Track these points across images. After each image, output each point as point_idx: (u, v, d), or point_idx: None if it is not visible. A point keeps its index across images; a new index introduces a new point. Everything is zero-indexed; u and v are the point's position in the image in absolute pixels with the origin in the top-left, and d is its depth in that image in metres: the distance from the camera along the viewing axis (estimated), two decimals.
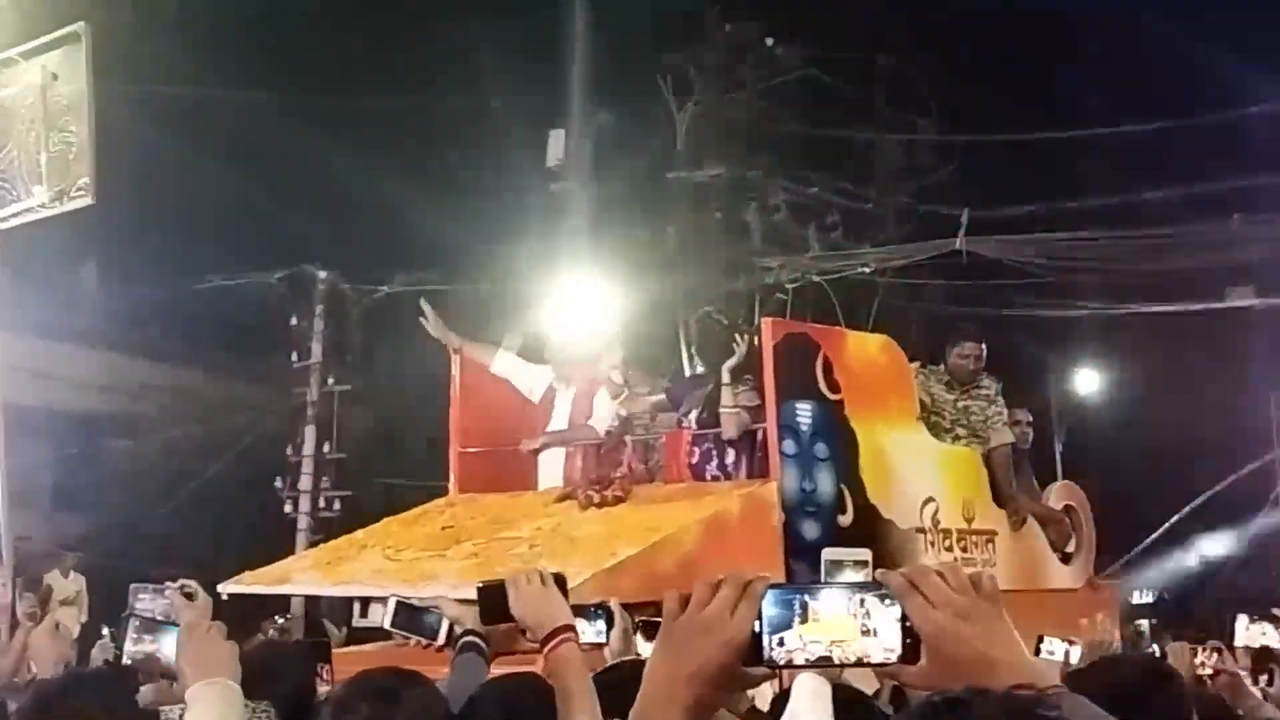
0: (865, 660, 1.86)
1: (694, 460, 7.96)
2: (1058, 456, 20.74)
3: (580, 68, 17.20)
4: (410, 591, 6.79)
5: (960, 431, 8.98)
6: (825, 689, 3.44)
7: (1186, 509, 19.43)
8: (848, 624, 1.85)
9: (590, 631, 4.36)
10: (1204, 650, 5.09)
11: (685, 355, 13.88)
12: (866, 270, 17.17)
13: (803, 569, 7.22)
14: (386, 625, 4.40)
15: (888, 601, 1.85)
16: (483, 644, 4.04)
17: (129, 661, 3.65)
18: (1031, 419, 9.95)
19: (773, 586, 1.85)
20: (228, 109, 18.44)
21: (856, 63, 19.25)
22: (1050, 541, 9.41)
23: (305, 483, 19.21)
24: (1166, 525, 19.54)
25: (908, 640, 1.84)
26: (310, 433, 19.36)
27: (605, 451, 8.22)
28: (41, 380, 17.82)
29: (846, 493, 7.70)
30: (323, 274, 19.12)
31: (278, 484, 19.32)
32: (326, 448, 19.24)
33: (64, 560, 16.36)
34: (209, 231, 20.01)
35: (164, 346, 21.12)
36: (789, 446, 7.51)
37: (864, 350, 8.37)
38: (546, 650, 3.35)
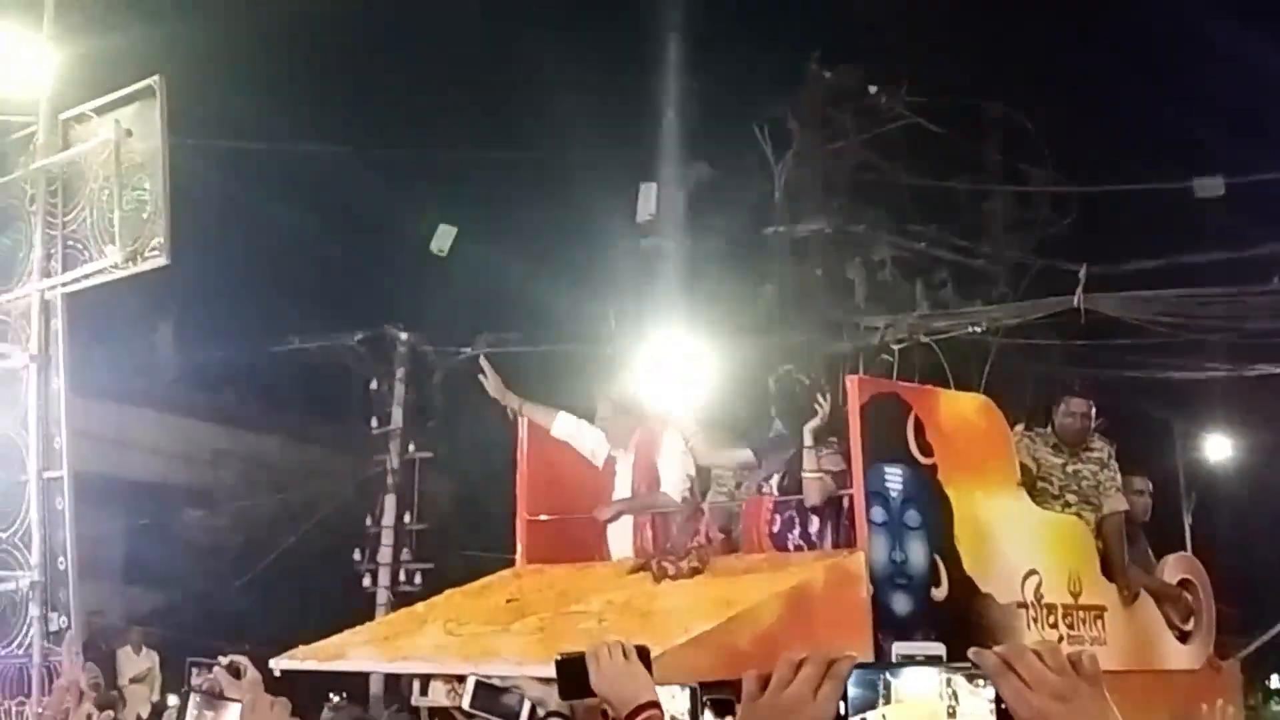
0: None
1: (775, 529, 7.63)
2: (1187, 529, 20.14)
3: (673, 118, 17.05)
4: (470, 668, 6.61)
5: (1070, 498, 8.65)
6: None
7: None
8: (933, 706, 1.83)
9: None
10: None
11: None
12: (978, 330, 16.75)
13: (893, 647, 6.98)
14: (465, 706, 4.25)
15: (978, 682, 1.82)
16: None
17: None
18: (1151, 488, 9.60)
19: (857, 666, 1.84)
20: (306, 164, 18.47)
21: (965, 110, 18.84)
22: (1166, 618, 9.05)
23: (385, 555, 19.07)
24: None
25: None
26: (390, 502, 19.23)
27: (682, 520, 8.03)
28: (113, 447, 17.81)
29: (941, 564, 7.34)
30: (404, 335, 19.04)
31: (356, 556, 19.19)
32: (407, 518, 19.09)
33: (135, 635, 16.32)
34: (287, 292, 20.05)
35: (240, 412, 21.15)
36: (877, 514, 7.17)
37: (959, 411, 7.98)
38: None
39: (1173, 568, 9.33)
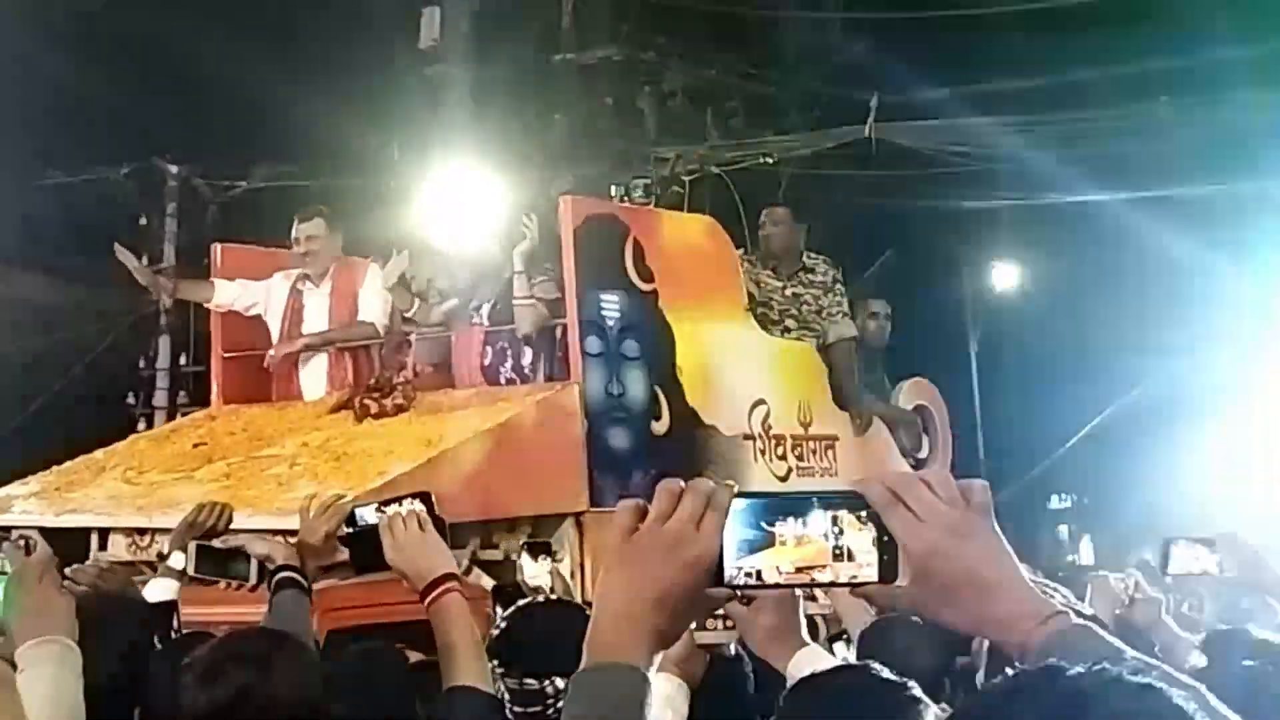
0: (839, 582, 1.74)
1: (486, 361, 7.48)
2: (973, 356, 20.75)
3: None
4: (144, 520, 6.37)
5: (790, 324, 8.56)
6: (681, 693, 3.19)
7: (1107, 410, 19.52)
8: (819, 546, 1.72)
9: None
10: (1124, 580, 5.11)
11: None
12: (770, 161, 16.83)
13: (609, 484, 6.87)
14: (190, 573, 4.20)
15: (862, 515, 1.73)
16: (302, 579, 3.94)
17: None
18: (890, 312, 9.58)
19: (739, 495, 1.74)
20: None
21: None
22: (900, 446, 9.12)
23: (160, 398, 18.64)
24: (1088, 427, 19.62)
25: (884, 557, 1.72)
26: (165, 343, 18.75)
27: (386, 352, 7.78)
28: None
29: (661, 396, 7.30)
30: (174, 168, 18.42)
31: (130, 400, 18.74)
32: (183, 360, 18.64)
33: None
34: (47, 123, 19.17)
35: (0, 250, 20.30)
36: (593, 344, 7.07)
37: (683, 234, 7.89)
38: (428, 601, 3.25)
39: (908, 394, 9.46)
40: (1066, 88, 16.54)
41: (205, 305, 8.25)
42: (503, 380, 7.40)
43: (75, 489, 7.07)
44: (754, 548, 1.72)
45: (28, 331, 19.99)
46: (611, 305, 7.16)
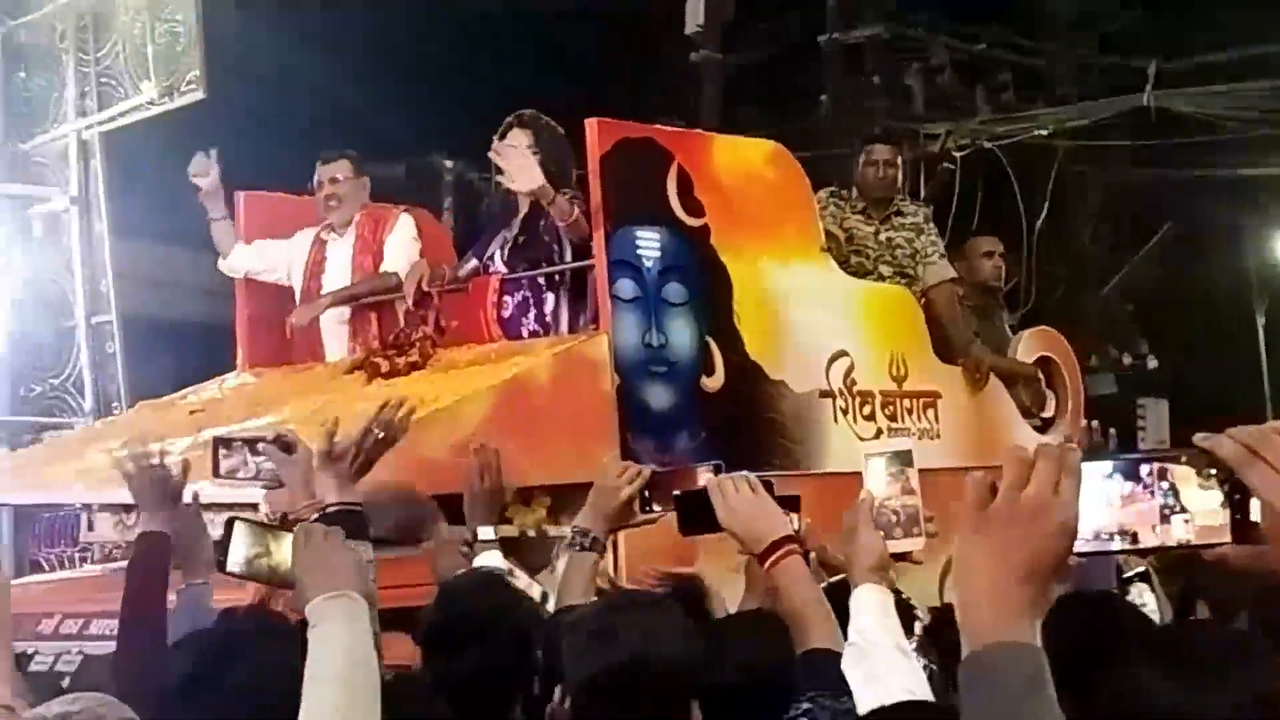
0: (1184, 544, 1.69)
1: (506, 313, 6.52)
2: (1260, 329, 19.91)
3: None
4: (95, 496, 5.70)
5: (885, 270, 7.63)
6: (889, 599, 3.10)
7: None
8: (1144, 506, 1.69)
9: None
10: None
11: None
12: (1043, 134, 16.38)
13: (646, 447, 5.96)
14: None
15: (1208, 473, 1.66)
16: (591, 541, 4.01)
17: (237, 570, 3.27)
18: (1003, 249, 8.62)
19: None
20: None
21: None
22: (1019, 404, 7.93)
23: None
24: None
25: (1237, 516, 1.65)
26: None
27: (409, 309, 6.88)
28: (160, 288, 17.74)
29: (714, 348, 6.32)
30: (449, 163, 18.74)
31: None
32: None
33: None
34: (328, 122, 19.74)
35: None
36: (625, 288, 6.06)
37: (740, 161, 6.70)
38: (768, 564, 3.15)
39: (1027, 345, 8.34)
40: None
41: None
42: (525, 333, 6.49)
43: (56, 463, 6.39)
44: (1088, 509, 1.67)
45: None
46: (650, 243, 6.19)
